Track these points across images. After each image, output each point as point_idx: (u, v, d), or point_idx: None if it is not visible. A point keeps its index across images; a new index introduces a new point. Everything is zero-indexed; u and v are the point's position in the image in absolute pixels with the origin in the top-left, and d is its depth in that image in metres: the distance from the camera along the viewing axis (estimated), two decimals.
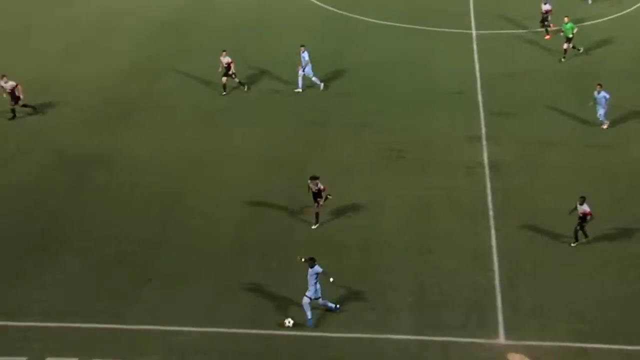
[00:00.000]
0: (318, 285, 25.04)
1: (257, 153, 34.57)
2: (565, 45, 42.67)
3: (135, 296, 26.12)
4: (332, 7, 49.65)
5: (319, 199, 29.58)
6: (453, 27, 47.23)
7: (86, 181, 32.50)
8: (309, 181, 29.41)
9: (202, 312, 25.42)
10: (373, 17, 48.43)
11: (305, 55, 39.20)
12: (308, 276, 25.01)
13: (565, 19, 42.53)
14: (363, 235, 29.41)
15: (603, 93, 35.71)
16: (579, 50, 43.33)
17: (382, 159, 34.20)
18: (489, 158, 34.21)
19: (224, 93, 39.12)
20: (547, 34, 45.54)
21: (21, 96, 36.91)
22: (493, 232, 29.41)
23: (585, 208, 28.19)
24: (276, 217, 30.30)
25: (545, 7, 45.28)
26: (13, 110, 36.98)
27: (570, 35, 42.48)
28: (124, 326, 24.87)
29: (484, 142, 35.42)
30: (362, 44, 45.31)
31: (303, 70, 39.34)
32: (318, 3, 50.22)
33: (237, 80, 39.23)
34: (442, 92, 39.93)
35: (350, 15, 48.68)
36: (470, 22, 48.19)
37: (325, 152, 34.68)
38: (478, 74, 41.70)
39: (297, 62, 40.07)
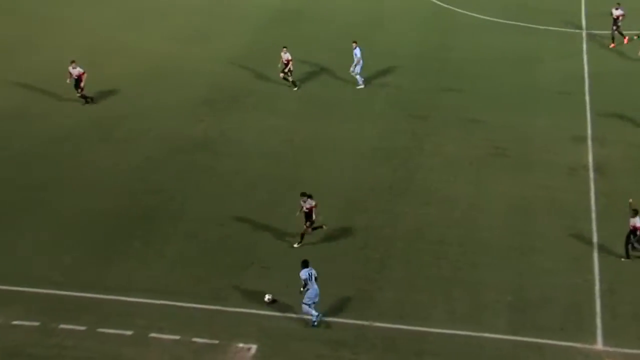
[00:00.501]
0: (315, 286, 24.67)
1: (362, 143, 34.91)
2: None
3: (236, 279, 26.74)
4: (439, 1, 49.47)
5: (308, 222, 28.17)
6: (562, 26, 46.56)
7: (192, 164, 33.34)
8: (300, 199, 28.17)
9: (299, 299, 25.70)
10: (480, 12, 48.09)
11: (357, 52, 38.98)
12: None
13: None
14: (461, 231, 29.45)
15: None
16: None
17: (484, 155, 34.14)
18: (594, 159, 33.80)
19: (295, 89, 39.37)
20: (620, 40, 44.05)
21: (82, 85, 37.50)
22: (595, 235, 29.07)
23: (636, 222, 27.32)
24: (380, 208, 30.60)
25: (617, 12, 43.68)
26: (84, 97, 37.77)
27: None
28: (224, 308, 25.50)
29: (590, 143, 34.99)
30: (468, 39, 45.10)
31: (354, 68, 39.11)
32: None
33: (290, 79, 39.23)
34: (549, 91, 39.51)
35: (457, 10, 48.48)
36: (581, 21, 47.42)
37: (429, 145, 34.83)
38: (586, 74, 41.13)
39: (404, 55, 40.17)
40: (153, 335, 24.28)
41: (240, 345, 24.04)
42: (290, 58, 38.78)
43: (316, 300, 24.76)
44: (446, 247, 28.48)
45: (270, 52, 42.29)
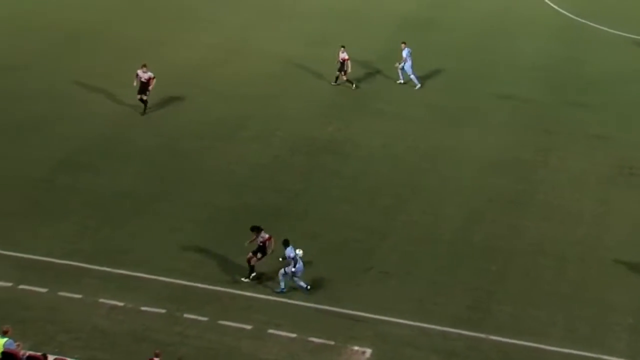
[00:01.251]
0: (299, 265, 26.22)
1: (485, 154, 34.86)
2: None
3: (354, 282, 27.17)
4: (571, 14, 48.73)
5: (260, 254, 26.92)
6: None
7: (318, 166, 33.94)
8: (251, 234, 27.07)
9: (416, 306, 26.09)
10: (613, 27, 47.06)
11: (405, 53, 39.53)
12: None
13: None
14: (584, 248, 29.17)
15: None
16: None
17: (611, 173, 33.66)
18: None
19: (354, 87, 39.79)
20: None
21: (150, 90, 37.31)
22: None
23: None
24: (499, 220, 30.58)
25: None
26: (144, 102, 37.47)
27: None
28: (341, 310, 25.90)
29: None
30: (599, 53, 44.28)
31: (402, 65, 39.82)
32: (557, 8, 49.44)
33: (344, 78, 39.58)
34: None
35: (589, 23, 47.59)
36: None
37: (554, 160, 34.52)
38: None
39: (531, 67, 39.79)
40: (271, 331, 24.92)
41: (356, 348, 24.44)
42: (347, 58, 39.34)
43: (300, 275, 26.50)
44: (567, 264, 28.23)
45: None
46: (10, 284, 26.42)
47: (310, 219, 30.43)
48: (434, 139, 35.86)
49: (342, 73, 39.72)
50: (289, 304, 26.12)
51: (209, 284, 26.79)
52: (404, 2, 50.09)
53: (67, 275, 27.05)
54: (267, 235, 27.01)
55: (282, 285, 26.61)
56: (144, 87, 37.18)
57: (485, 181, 33.03)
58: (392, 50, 41.96)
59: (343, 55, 39.47)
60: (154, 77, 37.04)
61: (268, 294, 26.45)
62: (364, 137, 35.95)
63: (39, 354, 22.27)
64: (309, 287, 26.69)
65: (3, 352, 21.81)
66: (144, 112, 37.58)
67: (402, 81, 40.37)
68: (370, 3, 50.26)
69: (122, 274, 27.17)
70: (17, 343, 22.17)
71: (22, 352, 22.18)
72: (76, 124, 36.60)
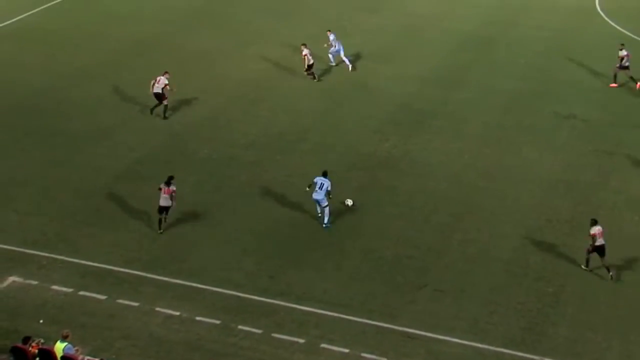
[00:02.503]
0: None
1: (544, 174, 34.63)
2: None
3: (408, 299, 27.19)
4: (636, 35, 48.14)
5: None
6: None
7: (375, 181, 34.02)
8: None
9: (470, 326, 25.98)
10: None
11: (331, 38, 43.49)
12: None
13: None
14: None
15: None
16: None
17: None
18: None
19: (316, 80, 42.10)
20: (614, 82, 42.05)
21: (166, 96, 38.20)
22: None
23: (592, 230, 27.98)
24: (557, 241, 30.25)
25: (622, 52, 41.56)
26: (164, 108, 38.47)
27: None
28: (394, 326, 25.90)
29: None
30: None
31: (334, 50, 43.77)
32: (620, 29, 48.92)
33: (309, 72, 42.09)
34: None
35: None
36: None
37: (615, 182, 34.11)
38: None
39: (593, 88, 39.57)
40: (324, 345, 25.04)
41: None
42: (306, 53, 42.01)
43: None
44: (625, 288, 27.88)
45: (458, 75, 42.62)
46: (71, 290, 27.04)
47: (365, 235, 30.51)
48: (492, 157, 35.75)
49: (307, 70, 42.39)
50: (342, 319, 26.21)
51: (264, 297, 27.03)
52: (465, 20, 50.02)
53: (126, 283, 27.58)
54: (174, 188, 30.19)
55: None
56: (158, 97, 38.13)
57: (544, 201, 32.80)
58: (451, 69, 42.06)
59: (305, 51, 42.12)
60: (167, 85, 38.06)
61: (322, 309, 26.58)
62: (421, 154, 35.99)
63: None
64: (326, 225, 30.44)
65: (62, 357, 22.33)
66: (164, 117, 38.49)
67: (332, 63, 43.78)
68: (431, 21, 50.30)
69: (178, 283, 27.61)
70: (75, 348, 22.72)
71: (80, 357, 22.70)
72: (139, 134, 37.34)
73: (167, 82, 38.20)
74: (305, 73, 42.23)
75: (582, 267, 28.60)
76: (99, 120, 38.34)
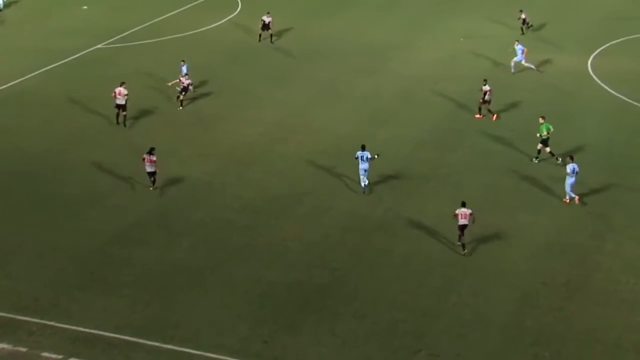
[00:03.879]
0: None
1: (540, 236, 34.53)
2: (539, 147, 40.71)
3: None
4: (629, 98, 48.49)
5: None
6: None
7: (369, 245, 33.91)
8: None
9: None
10: None
11: None
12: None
13: (541, 120, 40.75)
14: (639, 336, 28.36)
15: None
16: (557, 160, 40.50)
17: None
18: None
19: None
20: (479, 114, 45.78)
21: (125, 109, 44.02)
22: None
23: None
24: (553, 305, 30.01)
25: (485, 87, 45.06)
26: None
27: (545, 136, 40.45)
28: None
29: None
30: None
31: None
32: (614, 93, 49.27)
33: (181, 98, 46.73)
34: None
35: None
36: None
37: (611, 244, 33.96)
38: None
39: (590, 151, 39.70)
40: None
41: None
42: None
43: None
44: (623, 353, 27.58)
45: (453, 138, 42.78)
46: (61, 357, 26.82)
47: (360, 299, 30.29)
48: (487, 220, 35.58)
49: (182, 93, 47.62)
50: None
51: None
52: (459, 82, 50.32)
53: (116, 348, 27.30)
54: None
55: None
56: (120, 107, 44.03)
57: (539, 264, 32.64)
58: (446, 131, 42.23)
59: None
60: (127, 94, 43.79)
61: None
62: (416, 217, 35.91)
63: None
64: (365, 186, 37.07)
65: None
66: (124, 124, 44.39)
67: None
68: (426, 83, 50.68)
69: (170, 349, 27.34)
70: None
71: None
72: (133, 197, 37.38)
73: (126, 92, 43.64)
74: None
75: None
76: (94, 184, 38.42)
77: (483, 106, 45.53)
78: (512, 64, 52.03)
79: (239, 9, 66.21)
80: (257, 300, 30.12)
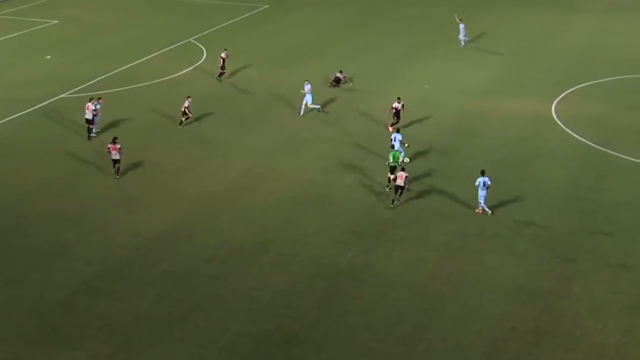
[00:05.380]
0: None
1: (506, 281, 34.43)
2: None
3: None
4: (592, 142, 48.92)
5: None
6: None
7: (337, 292, 33.60)
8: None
9: None
10: (633, 155, 47.03)
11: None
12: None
13: (390, 129, 44.68)
14: None
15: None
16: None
17: (636, 303, 32.89)
18: None
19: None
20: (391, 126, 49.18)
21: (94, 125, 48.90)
22: None
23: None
24: (522, 350, 29.85)
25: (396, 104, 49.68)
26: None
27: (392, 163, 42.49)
28: None
29: None
30: (623, 182, 43.98)
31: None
32: (579, 137, 49.71)
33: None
34: None
35: (611, 152, 47.61)
36: None
37: (577, 289, 33.92)
38: None
39: (554, 195, 39.76)
40: None
41: None
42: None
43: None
44: None
45: (420, 185, 42.76)
46: None
47: (328, 347, 29.95)
48: (455, 265, 35.61)
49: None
50: None
51: None
52: (424, 130, 50.51)
53: None
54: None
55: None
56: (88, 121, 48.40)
57: (507, 309, 32.53)
58: (412, 178, 42.10)
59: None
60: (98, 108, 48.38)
61: None
62: (383, 264, 35.75)
63: None
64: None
65: None
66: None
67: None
68: (385, 134, 50.84)
69: None
70: None
71: None
72: (97, 248, 36.85)
73: (94, 107, 47.97)
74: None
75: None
76: (57, 235, 37.88)
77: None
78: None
79: (204, 57, 66.39)
80: (225, 352, 29.68)
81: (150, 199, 41.47)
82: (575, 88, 58.12)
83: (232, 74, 60.66)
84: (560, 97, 56.57)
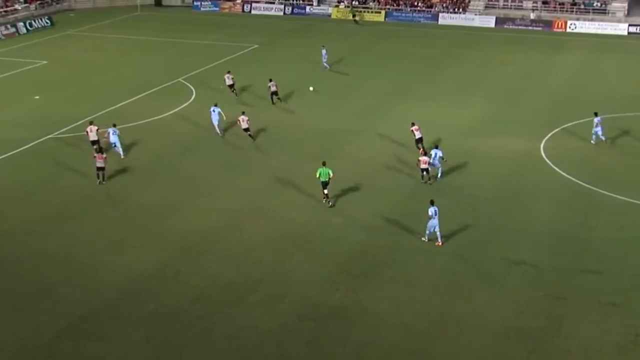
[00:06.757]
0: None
1: (495, 321, 34.20)
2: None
3: None
4: (580, 180, 48.95)
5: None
6: None
7: (326, 333, 33.32)
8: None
9: None
10: (621, 194, 46.91)
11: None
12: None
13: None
14: None
15: None
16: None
17: (625, 342, 32.73)
18: None
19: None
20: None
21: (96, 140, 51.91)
22: None
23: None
24: None
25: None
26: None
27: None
28: None
29: None
30: (611, 220, 43.85)
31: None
32: (567, 175, 49.75)
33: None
34: None
35: (599, 190, 47.60)
36: None
37: (568, 327, 33.72)
38: None
39: (542, 233, 39.59)
40: None
41: None
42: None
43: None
44: None
45: (409, 223, 42.64)
46: None
47: None
48: (444, 305, 35.38)
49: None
50: None
51: None
52: (414, 169, 50.42)
53: None
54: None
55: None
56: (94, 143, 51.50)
57: (497, 349, 32.30)
58: (402, 216, 41.97)
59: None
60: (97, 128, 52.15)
61: None
62: (372, 303, 35.49)
63: None
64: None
65: None
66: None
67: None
68: (381, 169, 50.79)
69: None
70: None
71: None
72: (83, 289, 36.50)
73: (97, 127, 52.22)
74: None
75: None
76: (42, 277, 37.50)
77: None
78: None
79: (193, 97, 66.45)
80: None
81: (136, 239, 41.19)
82: (563, 127, 58.27)
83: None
84: (549, 135, 56.69)
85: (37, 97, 66.91)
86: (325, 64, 75.90)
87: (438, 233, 40.49)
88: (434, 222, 40.22)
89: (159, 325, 33.82)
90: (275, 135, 56.90)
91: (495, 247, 40.63)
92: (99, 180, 47.67)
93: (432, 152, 48.23)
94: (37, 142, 55.52)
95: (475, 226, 42.64)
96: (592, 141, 54.78)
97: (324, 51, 76.00)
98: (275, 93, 64.30)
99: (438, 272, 38.28)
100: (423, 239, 40.49)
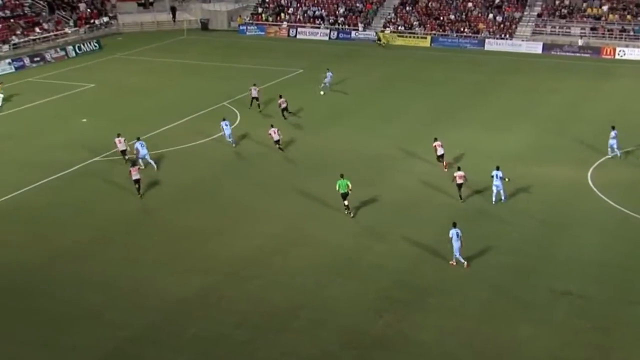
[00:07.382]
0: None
1: (541, 352, 33.63)
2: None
3: None
4: (628, 209, 48.14)
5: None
6: None
7: None
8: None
9: None
10: None
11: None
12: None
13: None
14: None
15: None
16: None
17: None
18: None
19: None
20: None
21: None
22: None
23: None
24: None
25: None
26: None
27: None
28: None
29: None
30: None
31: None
32: (613, 204, 48.95)
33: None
34: None
35: None
36: None
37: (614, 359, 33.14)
38: None
39: (590, 262, 38.97)
40: None
41: None
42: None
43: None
44: None
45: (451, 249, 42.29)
46: None
47: None
48: (488, 335, 34.85)
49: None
50: None
51: None
52: (457, 194, 49.99)
53: None
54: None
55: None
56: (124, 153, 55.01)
57: None
58: (446, 243, 41.60)
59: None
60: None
61: None
62: (416, 332, 35.09)
63: None
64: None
65: None
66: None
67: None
68: (423, 196, 50.42)
69: None
70: None
71: None
72: (127, 313, 36.55)
73: (124, 138, 54.67)
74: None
75: None
76: (86, 300, 37.65)
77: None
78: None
79: (238, 121, 66.66)
80: None
81: (180, 263, 41.22)
82: (610, 155, 57.42)
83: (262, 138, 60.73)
84: (596, 164, 55.92)
85: (85, 120, 67.61)
86: (326, 85, 76.25)
87: (457, 255, 40.63)
88: (456, 245, 40.39)
89: (201, 350, 33.75)
90: (317, 159, 56.80)
91: (541, 276, 40.00)
92: (139, 195, 49.18)
93: (493, 174, 48.59)
94: (83, 164, 56.03)
95: (522, 254, 42.06)
96: (608, 155, 56.65)
97: (329, 74, 76.82)
98: (285, 109, 66.84)
99: (484, 301, 37.77)
100: (451, 262, 40.31)
